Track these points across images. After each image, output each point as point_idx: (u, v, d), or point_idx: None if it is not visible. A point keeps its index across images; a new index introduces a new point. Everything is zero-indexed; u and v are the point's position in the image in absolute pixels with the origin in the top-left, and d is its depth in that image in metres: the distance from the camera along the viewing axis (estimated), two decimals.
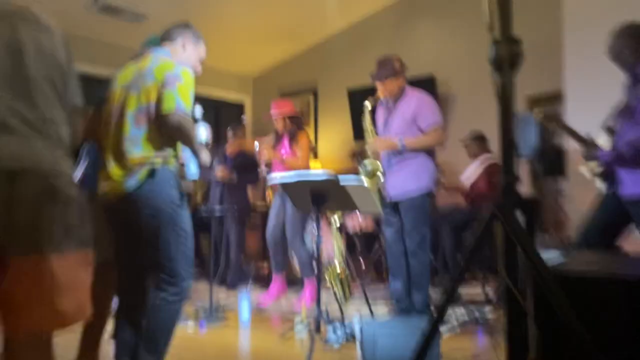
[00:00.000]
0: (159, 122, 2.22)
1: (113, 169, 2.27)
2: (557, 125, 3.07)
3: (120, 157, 2.27)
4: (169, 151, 2.30)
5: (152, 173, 2.23)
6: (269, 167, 4.74)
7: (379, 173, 3.68)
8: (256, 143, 4.80)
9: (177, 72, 2.26)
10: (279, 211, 4.67)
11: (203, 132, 2.56)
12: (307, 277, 4.52)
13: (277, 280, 4.70)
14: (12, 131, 1.41)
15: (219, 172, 5.34)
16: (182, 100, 2.20)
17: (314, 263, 5.40)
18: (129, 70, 2.41)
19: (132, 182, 2.22)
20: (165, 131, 2.23)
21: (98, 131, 2.40)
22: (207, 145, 2.56)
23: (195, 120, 2.52)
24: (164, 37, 2.56)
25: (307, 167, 4.62)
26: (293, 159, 4.61)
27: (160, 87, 2.22)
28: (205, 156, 2.43)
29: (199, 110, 2.63)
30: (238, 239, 5.53)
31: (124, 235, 2.38)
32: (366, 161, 3.72)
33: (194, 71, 2.49)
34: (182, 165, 2.51)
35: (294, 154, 4.65)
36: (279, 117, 4.73)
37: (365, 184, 3.64)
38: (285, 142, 4.74)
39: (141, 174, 2.22)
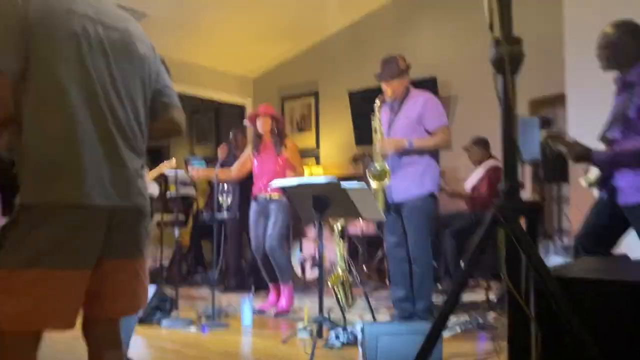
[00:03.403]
0: None
1: None
2: (561, 143, 2.96)
3: None
4: None
5: None
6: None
7: (387, 175, 3.63)
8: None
9: None
10: (258, 220, 4.57)
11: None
12: (284, 283, 4.44)
13: (273, 289, 4.65)
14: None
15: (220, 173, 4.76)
16: None
17: (307, 267, 5.36)
18: None
19: None
20: None
21: None
22: None
23: None
24: None
25: (302, 173, 4.52)
26: (291, 169, 4.53)
27: None
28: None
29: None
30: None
31: None
32: (376, 164, 3.67)
33: None
34: None
35: (286, 162, 4.55)
36: (267, 116, 4.60)
37: (373, 187, 3.63)
38: (270, 145, 4.63)
39: None
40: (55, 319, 1.52)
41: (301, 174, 4.53)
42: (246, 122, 4.93)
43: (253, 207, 4.64)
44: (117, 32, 1.65)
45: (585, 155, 2.82)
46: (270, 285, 4.66)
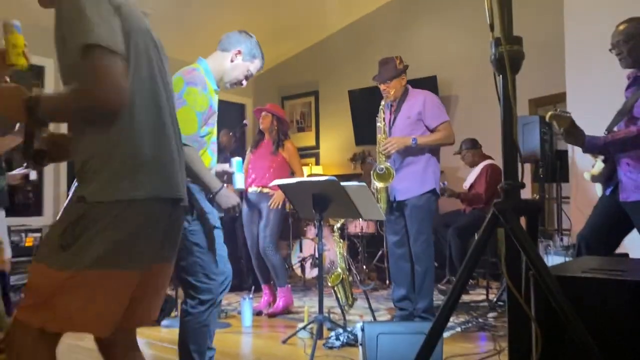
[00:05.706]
0: None
1: None
2: (569, 125, 2.88)
3: None
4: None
5: None
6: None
7: (392, 175, 3.62)
8: None
9: (181, 94, 2.28)
10: (251, 220, 4.56)
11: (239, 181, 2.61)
12: (280, 287, 4.43)
13: (266, 290, 4.64)
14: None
15: None
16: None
17: (307, 267, 5.28)
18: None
19: None
20: None
21: None
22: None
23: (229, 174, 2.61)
24: (220, 43, 2.58)
25: (302, 175, 4.55)
26: (286, 172, 4.56)
27: None
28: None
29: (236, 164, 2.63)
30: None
31: None
32: (381, 164, 3.67)
33: (238, 85, 2.56)
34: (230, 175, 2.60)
35: (282, 163, 4.56)
36: (269, 114, 4.60)
37: (377, 186, 3.63)
38: (268, 144, 4.64)
39: None
40: (102, 323, 1.44)
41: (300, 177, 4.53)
42: (246, 121, 4.95)
43: (244, 204, 4.58)
44: (154, 32, 1.64)
45: (576, 134, 2.76)
46: (263, 286, 4.65)
